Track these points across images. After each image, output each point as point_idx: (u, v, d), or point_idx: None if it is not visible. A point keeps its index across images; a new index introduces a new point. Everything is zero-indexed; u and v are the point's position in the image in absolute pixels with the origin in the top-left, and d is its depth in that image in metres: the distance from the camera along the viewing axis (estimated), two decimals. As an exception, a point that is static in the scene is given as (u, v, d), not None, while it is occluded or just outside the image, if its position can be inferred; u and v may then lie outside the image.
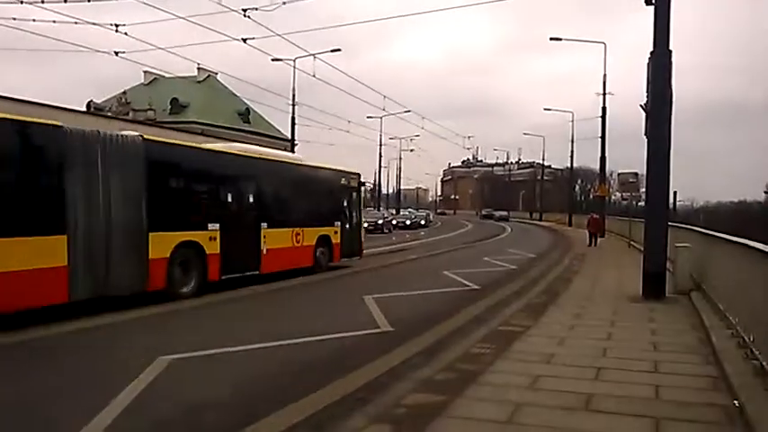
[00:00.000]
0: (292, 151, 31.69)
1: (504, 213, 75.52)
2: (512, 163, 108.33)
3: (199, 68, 41.37)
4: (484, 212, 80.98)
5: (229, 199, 12.29)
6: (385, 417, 4.37)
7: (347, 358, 6.40)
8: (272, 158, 14.27)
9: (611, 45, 54.78)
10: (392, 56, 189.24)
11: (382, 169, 75.33)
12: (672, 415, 4.40)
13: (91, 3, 17.45)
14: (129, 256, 9.48)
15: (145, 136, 10.15)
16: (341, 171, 16.82)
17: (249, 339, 7.20)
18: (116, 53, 20.42)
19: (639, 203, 21.49)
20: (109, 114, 38.42)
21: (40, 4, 16.44)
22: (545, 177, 78.42)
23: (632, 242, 21.83)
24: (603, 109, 32.27)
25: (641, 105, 10.48)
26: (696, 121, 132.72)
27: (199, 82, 46.08)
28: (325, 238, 15.44)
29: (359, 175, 17.60)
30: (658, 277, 10.31)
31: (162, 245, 10.15)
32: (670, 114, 10.09)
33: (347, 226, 16.66)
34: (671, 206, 14.75)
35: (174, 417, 4.71)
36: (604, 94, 32.03)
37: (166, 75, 34.90)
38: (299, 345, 7.10)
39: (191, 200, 11.33)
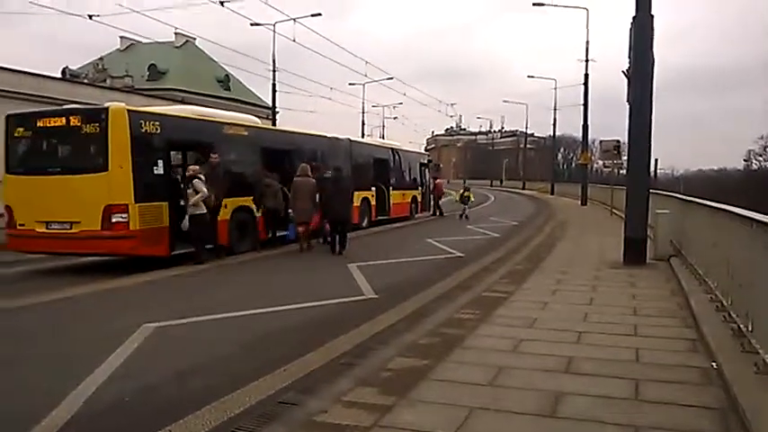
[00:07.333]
0: (273, 119, 31.25)
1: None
2: (495, 131, 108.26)
3: (176, 33, 40.49)
4: None
5: (376, 174, 20.23)
6: (371, 380, 4.42)
7: (334, 324, 6.45)
8: (399, 149, 23.17)
9: (593, 10, 53.46)
10: (374, 20, 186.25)
11: (365, 137, 74.75)
12: (651, 377, 4.48)
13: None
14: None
15: (350, 138, 19.21)
16: (421, 153, 28.22)
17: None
18: (90, 16, 19.89)
19: (621, 171, 21.59)
20: (85, 81, 37.56)
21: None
22: (528, 146, 78.50)
23: (614, 210, 22.01)
24: (586, 76, 31.97)
25: (623, 71, 10.44)
26: (678, 87, 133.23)
27: (177, 47, 45.04)
28: (414, 197, 23.54)
29: (428, 154, 30.46)
30: (639, 243, 10.41)
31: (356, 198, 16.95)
32: (651, 80, 10.05)
33: (423, 190, 24.56)
34: (652, 173, 14.86)
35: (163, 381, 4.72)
36: (587, 60, 31.66)
37: (143, 40, 34.09)
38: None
39: (367, 174, 19.33)
